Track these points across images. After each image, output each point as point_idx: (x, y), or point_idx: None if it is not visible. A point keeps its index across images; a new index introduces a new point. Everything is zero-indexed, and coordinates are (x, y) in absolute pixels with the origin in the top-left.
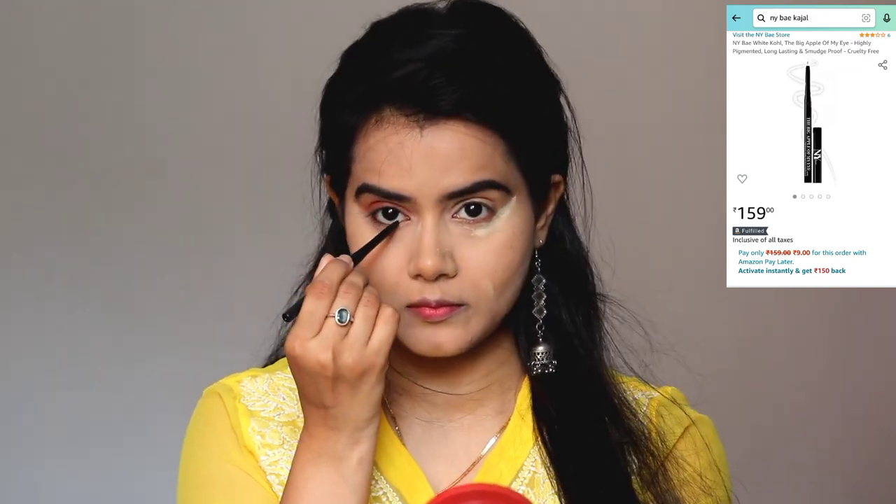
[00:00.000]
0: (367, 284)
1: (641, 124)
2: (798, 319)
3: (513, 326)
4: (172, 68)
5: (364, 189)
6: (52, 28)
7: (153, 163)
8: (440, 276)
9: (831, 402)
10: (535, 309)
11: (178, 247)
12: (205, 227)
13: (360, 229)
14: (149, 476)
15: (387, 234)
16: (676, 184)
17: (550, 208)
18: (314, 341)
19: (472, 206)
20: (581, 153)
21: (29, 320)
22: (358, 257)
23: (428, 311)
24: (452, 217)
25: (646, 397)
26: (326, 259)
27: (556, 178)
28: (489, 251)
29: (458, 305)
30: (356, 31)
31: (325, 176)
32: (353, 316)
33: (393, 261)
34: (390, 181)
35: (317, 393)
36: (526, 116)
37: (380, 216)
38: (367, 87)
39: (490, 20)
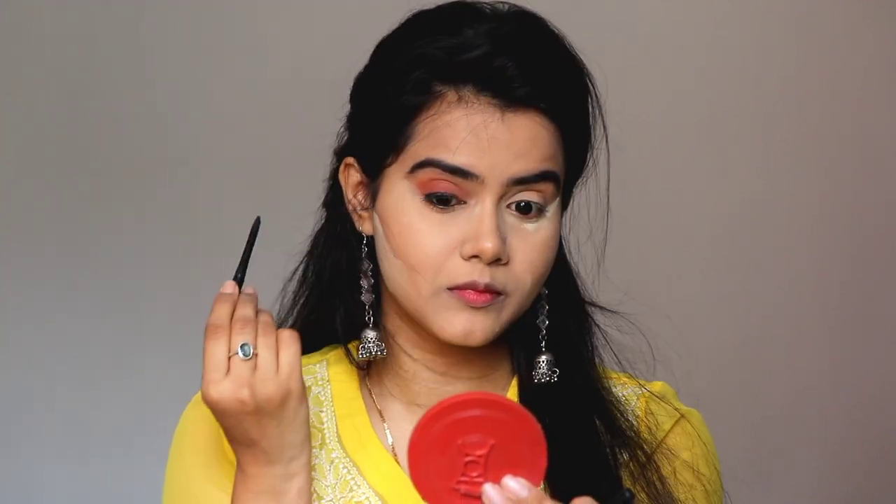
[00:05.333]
0: (257, 312)
1: (639, 125)
2: (798, 320)
3: (507, 333)
4: (172, 69)
5: (427, 163)
6: (53, 29)
7: (153, 163)
8: (495, 260)
9: (832, 402)
10: (539, 319)
11: (177, 247)
12: (205, 227)
13: (409, 207)
14: (149, 476)
15: (254, 239)
16: (676, 183)
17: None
18: (226, 382)
19: (523, 203)
20: (608, 162)
21: (29, 321)
22: (240, 276)
23: (473, 295)
24: (506, 206)
25: (635, 393)
26: (216, 299)
27: (571, 192)
28: (535, 246)
29: (499, 294)
30: (358, 33)
31: (344, 159)
32: (255, 348)
33: (441, 240)
34: (462, 157)
35: (243, 431)
36: (580, 118)
37: (434, 202)
38: (441, 65)
39: (538, 25)
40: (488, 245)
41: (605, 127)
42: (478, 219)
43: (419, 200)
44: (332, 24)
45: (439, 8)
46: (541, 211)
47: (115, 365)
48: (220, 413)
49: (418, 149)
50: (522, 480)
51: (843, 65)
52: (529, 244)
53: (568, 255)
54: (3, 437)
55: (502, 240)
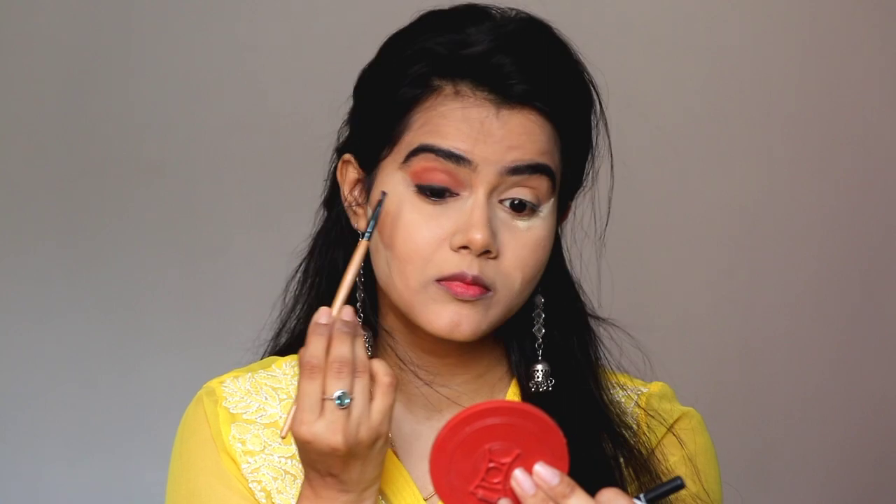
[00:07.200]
0: (353, 343)
1: (640, 129)
2: (802, 327)
3: (504, 338)
4: (172, 69)
5: (421, 149)
6: (52, 28)
7: (153, 163)
8: (484, 252)
9: (836, 410)
10: (535, 328)
11: (178, 247)
12: (205, 227)
13: (401, 197)
14: (149, 476)
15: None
16: (678, 188)
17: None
18: (320, 425)
19: (517, 201)
20: (612, 172)
21: (28, 320)
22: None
23: (460, 287)
24: (499, 202)
25: (635, 392)
26: (310, 330)
27: (569, 203)
28: (526, 244)
29: (487, 290)
30: (356, 34)
31: (342, 156)
32: (351, 394)
33: (434, 232)
34: (457, 143)
35: (326, 466)
36: (579, 123)
37: (428, 194)
38: (441, 59)
39: (543, 31)
40: (478, 236)
41: (608, 137)
42: (469, 210)
43: (412, 192)
44: (332, 25)
45: (450, 8)
46: (534, 210)
47: (115, 364)
48: (308, 451)
49: (413, 138)
50: (554, 469)
51: (847, 65)
52: (520, 241)
53: (568, 264)
54: (3, 437)
55: (493, 233)
